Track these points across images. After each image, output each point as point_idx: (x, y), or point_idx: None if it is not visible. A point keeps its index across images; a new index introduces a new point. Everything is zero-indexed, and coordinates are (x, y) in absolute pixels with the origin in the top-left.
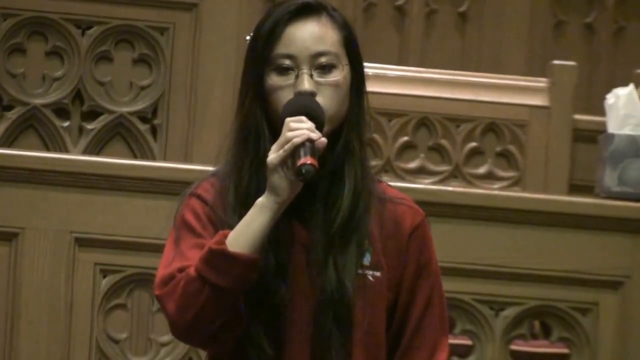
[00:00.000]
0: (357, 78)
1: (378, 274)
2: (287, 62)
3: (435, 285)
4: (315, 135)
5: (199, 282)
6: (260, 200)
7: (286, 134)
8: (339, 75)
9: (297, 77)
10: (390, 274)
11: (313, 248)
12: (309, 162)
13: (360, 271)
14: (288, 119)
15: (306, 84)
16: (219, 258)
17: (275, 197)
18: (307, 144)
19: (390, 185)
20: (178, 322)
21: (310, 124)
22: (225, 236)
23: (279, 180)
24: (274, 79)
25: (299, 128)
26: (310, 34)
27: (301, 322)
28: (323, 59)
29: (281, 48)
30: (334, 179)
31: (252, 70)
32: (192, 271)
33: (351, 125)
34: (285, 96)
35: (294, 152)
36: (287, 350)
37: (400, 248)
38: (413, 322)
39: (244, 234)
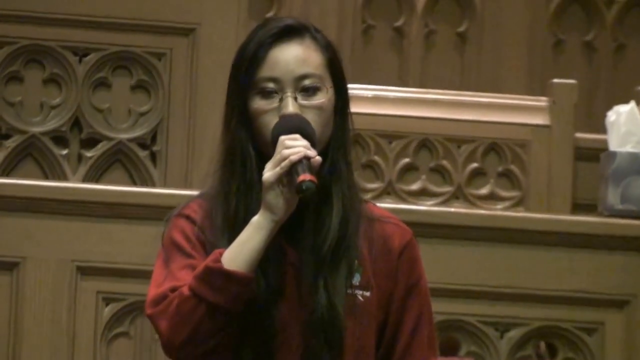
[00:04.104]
0: (342, 99)
1: (368, 293)
2: (271, 85)
3: (425, 304)
4: (312, 152)
5: (194, 300)
6: (255, 218)
7: (282, 151)
8: (324, 97)
9: (281, 100)
10: (380, 294)
11: (303, 270)
12: (308, 178)
13: (350, 291)
14: (283, 137)
15: (290, 107)
16: (215, 276)
17: (272, 216)
18: (304, 161)
19: (377, 206)
20: (171, 341)
21: (305, 142)
22: (221, 254)
23: (275, 198)
24: (258, 103)
25: (295, 146)
26: (294, 57)
27: (291, 343)
28: (307, 82)
29: (265, 71)
30: (321, 200)
31: (236, 93)
32: (185, 290)
33: (336, 147)
34: (270, 120)
35: (290, 170)
36: None
37: (390, 267)
38: (403, 342)
39: (240, 253)
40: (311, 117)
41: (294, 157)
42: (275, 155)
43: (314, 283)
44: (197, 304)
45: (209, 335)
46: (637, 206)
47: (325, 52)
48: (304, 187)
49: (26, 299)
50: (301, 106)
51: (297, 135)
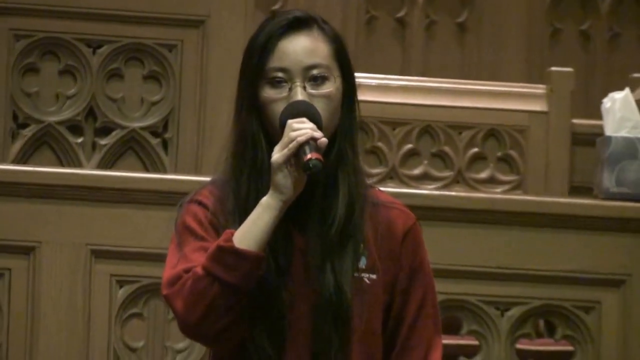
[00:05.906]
0: (349, 88)
1: (374, 276)
2: (280, 75)
3: (428, 286)
4: (318, 134)
5: (208, 279)
6: (264, 199)
7: (290, 133)
8: (332, 86)
9: (290, 89)
10: (385, 276)
11: (310, 253)
12: (315, 157)
13: (356, 274)
14: (290, 121)
15: (299, 97)
16: (228, 255)
17: (280, 196)
18: (311, 142)
19: (382, 191)
20: (187, 320)
21: (312, 124)
22: (232, 234)
23: (283, 179)
24: (268, 92)
25: (302, 128)
26: (302, 47)
27: (301, 324)
28: (315, 71)
29: (274, 61)
30: (328, 186)
31: (246, 83)
32: (199, 270)
33: (343, 135)
34: (279, 108)
35: (298, 151)
36: (288, 352)
37: (394, 251)
38: (408, 322)
39: (251, 232)
40: (319, 106)
41: (301, 138)
42: (283, 138)
43: (321, 266)
44: (210, 282)
45: (223, 312)
46: (632, 189)
47: (333, 43)
48: (310, 165)
49: (43, 282)
50: (310, 95)
51: (304, 119)
